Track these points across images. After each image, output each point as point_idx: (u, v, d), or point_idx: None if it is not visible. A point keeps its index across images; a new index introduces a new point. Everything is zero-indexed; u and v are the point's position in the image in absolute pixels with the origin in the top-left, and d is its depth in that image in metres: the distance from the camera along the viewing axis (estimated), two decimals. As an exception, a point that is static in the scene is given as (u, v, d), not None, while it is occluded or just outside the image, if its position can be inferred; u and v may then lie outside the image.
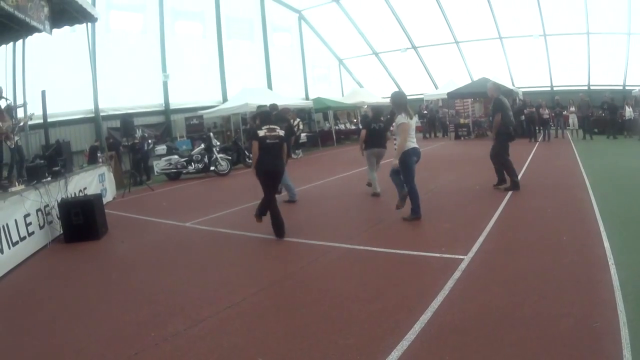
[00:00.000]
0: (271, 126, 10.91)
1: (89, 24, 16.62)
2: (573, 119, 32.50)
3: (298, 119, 29.13)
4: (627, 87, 37.34)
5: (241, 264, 9.28)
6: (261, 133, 10.71)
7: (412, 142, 11.24)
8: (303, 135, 35.51)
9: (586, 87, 39.07)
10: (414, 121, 11.41)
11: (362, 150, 14.94)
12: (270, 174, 10.90)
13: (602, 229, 9.80)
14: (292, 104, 33.93)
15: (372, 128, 14.60)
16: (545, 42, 38.84)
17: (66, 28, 15.66)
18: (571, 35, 37.62)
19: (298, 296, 7.22)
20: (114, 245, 11.53)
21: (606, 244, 8.70)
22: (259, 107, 12.82)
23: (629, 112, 31.12)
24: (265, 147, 10.68)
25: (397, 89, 11.69)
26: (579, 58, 38.62)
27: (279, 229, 10.79)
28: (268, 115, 11.62)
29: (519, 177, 15.48)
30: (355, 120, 44.29)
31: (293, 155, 25.93)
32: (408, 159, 11.17)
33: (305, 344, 5.60)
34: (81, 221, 11.75)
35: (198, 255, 10.07)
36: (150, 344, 5.83)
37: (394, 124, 11.62)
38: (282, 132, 11.00)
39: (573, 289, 6.73)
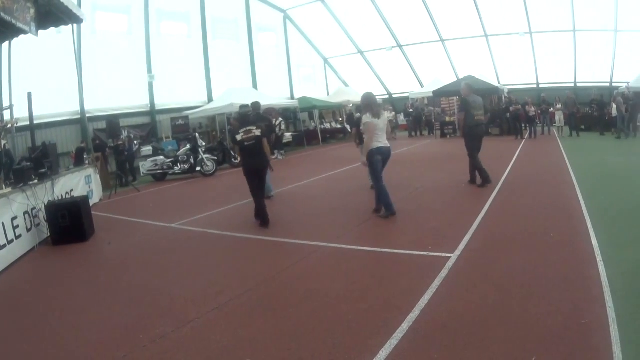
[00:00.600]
0: (248, 128, 11.31)
1: (75, 25, 16.58)
2: (560, 116, 32.49)
3: (280, 119, 29.13)
4: (614, 84, 37.48)
5: (228, 264, 9.27)
6: (239, 137, 11.16)
7: (378, 142, 11.38)
8: (288, 134, 35.67)
9: (572, 85, 39.31)
10: (382, 121, 11.49)
11: (358, 145, 15.04)
12: (253, 172, 11.34)
13: (589, 225, 9.85)
14: (278, 103, 34.08)
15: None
16: (531, 40, 38.97)
17: (52, 30, 15.63)
18: (557, 33, 37.75)
19: (285, 296, 7.23)
20: (101, 247, 11.50)
21: (594, 241, 8.76)
22: (242, 106, 12.82)
23: (615, 109, 31.23)
24: (244, 149, 11.16)
25: (368, 90, 11.72)
26: (565, 55, 38.79)
27: (264, 220, 11.43)
28: (245, 117, 11.94)
29: (505, 174, 15.60)
30: (340, 120, 44.29)
31: (272, 157, 26.17)
32: (372, 157, 11.35)
33: (293, 344, 5.62)
34: (68, 223, 11.75)
35: (185, 256, 10.06)
36: (138, 346, 5.83)
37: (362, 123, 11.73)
38: (258, 132, 11.32)
39: (561, 286, 6.76)
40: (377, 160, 11.39)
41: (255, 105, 15.20)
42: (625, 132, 29.63)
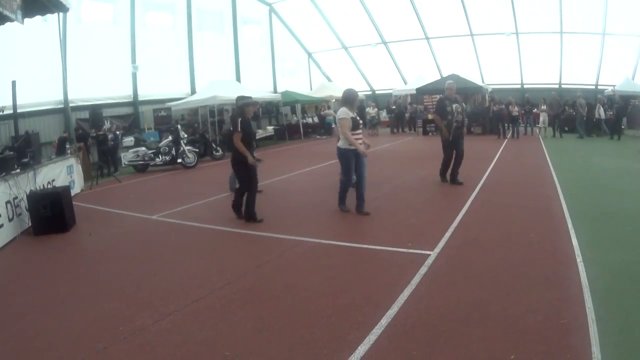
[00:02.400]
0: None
1: (61, 13, 16.50)
2: (544, 117, 32.66)
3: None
4: (599, 87, 37.78)
5: (208, 257, 9.28)
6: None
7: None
8: (270, 128, 35.74)
9: (557, 86, 39.52)
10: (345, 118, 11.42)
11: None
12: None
13: (570, 226, 9.98)
14: (260, 97, 33.92)
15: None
16: (517, 40, 39.07)
17: (37, 18, 15.56)
18: (544, 34, 37.93)
19: (265, 290, 7.28)
20: (81, 238, 11.45)
21: (574, 241, 8.88)
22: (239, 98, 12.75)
23: (601, 111, 31.47)
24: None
25: (350, 86, 11.72)
26: (551, 56, 38.97)
27: (238, 211, 11.61)
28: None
29: (486, 173, 15.73)
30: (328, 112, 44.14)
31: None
32: (347, 154, 11.48)
33: (272, 338, 5.67)
34: (49, 214, 11.70)
35: (165, 248, 10.07)
36: (118, 338, 5.85)
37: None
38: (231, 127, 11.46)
39: (541, 286, 6.85)
40: (350, 158, 11.49)
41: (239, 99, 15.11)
42: (581, 133, 30.96)
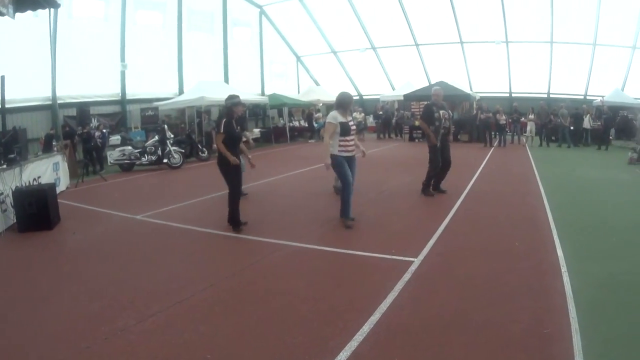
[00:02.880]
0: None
1: (52, 9, 16.46)
2: (531, 126, 32.84)
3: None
4: (588, 97, 38.07)
5: (191, 259, 9.28)
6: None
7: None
8: (256, 130, 35.83)
9: (546, 95, 39.74)
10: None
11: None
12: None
13: (555, 236, 10.02)
14: (248, 99, 33.95)
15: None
16: (507, 49, 39.27)
17: (28, 13, 15.50)
18: (534, 43, 38.13)
19: (247, 293, 7.28)
20: (66, 236, 11.43)
21: (559, 252, 8.92)
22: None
23: (587, 121, 31.65)
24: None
25: (342, 90, 11.59)
26: (540, 66, 39.15)
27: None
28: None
29: (472, 181, 15.81)
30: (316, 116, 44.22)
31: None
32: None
33: (253, 342, 5.68)
34: (35, 211, 11.66)
35: (148, 248, 10.06)
36: (100, 338, 5.84)
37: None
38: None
39: (524, 296, 6.88)
40: (341, 163, 11.16)
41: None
42: (568, 142, 31.44)
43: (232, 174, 11.07)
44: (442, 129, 14.31)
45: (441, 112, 14.40)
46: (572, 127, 32.07)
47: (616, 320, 6.12)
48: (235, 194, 11.16)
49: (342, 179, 11.33)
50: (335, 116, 10.98)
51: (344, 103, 11.24)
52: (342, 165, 11.08)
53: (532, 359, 5.18)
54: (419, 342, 5.59)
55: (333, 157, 11.04)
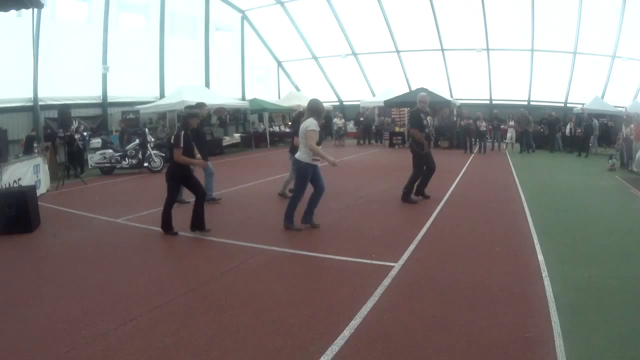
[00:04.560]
0: None
1: (35, 9, 16.40)
2: (512, 133, 33.08)
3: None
4: (568, 105, 38.49)
5: (171, 263, 9.34)
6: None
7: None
8: (237, 135, 35.80)
9: (526, 103, 40.10)
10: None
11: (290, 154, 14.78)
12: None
13: (535, 241, 10.12)
14: (228, 103, 34.01)
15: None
16: (487, 56, 39.58)
17: (11, 13, 15.43)
18: (515, 51, 38.44)
19: (227, 298, 7.27)
20: (46, 239, 11.35)
21: (540, 257, 9.00)
22: (192, 106, 12.47)
23: (569, 129, 31.90)
24: None
25: (315, 96, 11.64)
26: (521, 73, 39.48)
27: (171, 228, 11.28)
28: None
29: (452, 187, 15.89)
30: (289, 123, 44.07)
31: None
32: (306, 171, 11.14)
33: (234, 346, 5.68)
34: (14, 213, 11.61)
35: (128, 252, 10.00)
36: (80, 342, 5.82)
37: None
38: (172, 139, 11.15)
39: (505, 300, 6.93)
40: (309, 173, 11.19)
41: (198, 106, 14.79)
42: (529, 147, 32.37)
43: (191, 181, 11.25)
44: (432, 135, 14.44)
45: (428, 118, 14.49)
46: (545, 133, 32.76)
47: (597, 323, 6.18)
48: (201, 198, 11.20)
49: (300, 187, 11.35)
50: (316, 123, 10.92)
51: (319, 110, 11.25)
52: (308, 175, 11.14)
53: (516, 364, 5.20)
54: (399, 347, 5.60)
55: (303, 165, 11.01)
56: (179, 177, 11.09)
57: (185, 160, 10.86)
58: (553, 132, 33.46)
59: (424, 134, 14.35)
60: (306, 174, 11.11)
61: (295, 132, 14.05)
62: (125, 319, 6.47)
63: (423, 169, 14.57)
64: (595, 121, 31.08)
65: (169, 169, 11.24)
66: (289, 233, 11.08)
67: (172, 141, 10.88)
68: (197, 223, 11.13)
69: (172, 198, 11.26)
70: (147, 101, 33.18)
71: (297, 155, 11.22)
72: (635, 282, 7.74)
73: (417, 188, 14.79)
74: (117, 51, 31.72)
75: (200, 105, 12.81)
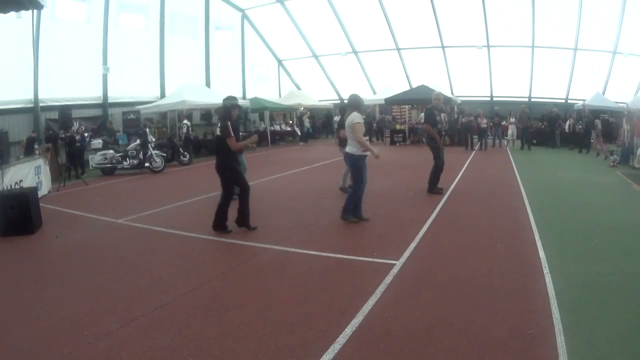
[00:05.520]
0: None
1: (35, 11, 16.37)
2: (512, 130, 33.07)
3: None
4: (569, 101, 38.46)
5: (173, 263, 9.24)
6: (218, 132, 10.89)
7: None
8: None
9: (527, 99, 39.96)
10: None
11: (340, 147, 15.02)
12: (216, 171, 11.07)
13: (537, 238, 10.10)
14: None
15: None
16: (488, 53, 39.52)
17: (11, 15, 15.42)
18: (516, 48, 38.39)
19: (229, 297, 7.29)
20: (48, 240, 11.35)
21: (541, 254, 8.98)
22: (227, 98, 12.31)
23: (568, 125, 31.93)
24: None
25: (353, 92, 12.10)
26: (521, 70, 39.43)
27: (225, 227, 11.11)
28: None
29: (453, 184, 15.90)
30: (290, 122, 44.47)
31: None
32: (360, 162, 11.43)
33: (236, 345, 5.68)
34: (16, 214, 11.60)
35: (130, 253, 10.03)
36: (83, 343, 5.82)
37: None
38: (218, 132, 11.01)
39: (507, 297, 6.92)
40: (363, 165, 11.48)
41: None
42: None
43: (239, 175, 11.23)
44: (444, 131, 14.64)
45: (442, 115, 14.69)
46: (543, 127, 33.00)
47: (599, 320, 6.17)
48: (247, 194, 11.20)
49: (357, 179, 11.63)
50: (361, 116, 11.27)
51: (360, 103, 11.69)
52: (362, 167, 11.48)
53: (518, 360, 5.20)
54: (402, 344, 5.60)
55: (356, 157, 11.36)
56: (232, 168, 11.04)
57: (241, 145, 11.07)
58: (553, 129, 33.48)
59: (436, 129, 14.62)
60: (360, 166, 11.44)
61: (340, 125, 14.75)
62: (128, 319, 6.46)
63: (443, 161, 14.89)
64: (597, 120, 30.89)
65: (219, 162, 11.11)
66: (290, 232, 11.10)
67: (220, 133, 10.78)
68: (242, 219, 11.26)
69: (230, 191, 11.22)
70: (147, 101, 33.08)
71: (347, 150, 11.56)
72: (637, 278, 7.74)
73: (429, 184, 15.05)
74: (118, 51, 31.63)
75: (235, 97, 12.73)
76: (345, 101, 13.23)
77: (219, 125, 11.00)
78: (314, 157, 27.27)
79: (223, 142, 10.81)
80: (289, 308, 6.73)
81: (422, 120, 23.62)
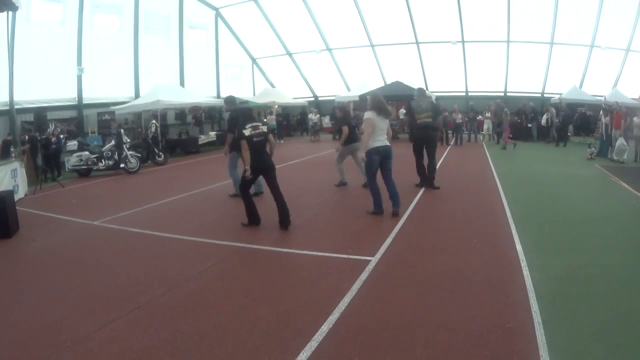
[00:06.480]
0: (254, 124, 11.02)
1: (10, 12, 16.26)
2: (488, 125, 33.24)
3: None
4: (545, 95, 38.71)
5: (149, 263, 9.27)
6: (247, 132, 10.78)
7: (377, 141, 11.51)
8: (212, 133, 35.74)
9: (502, 94, 40.08)
10: (384, 121, 11.71)
11: (343, 146, 15.48)
12: (261, 170, 11.14)
13: (514, 231, 10.20)
14: (203, 102, 34.21)
15: (352, 125, 14.96)
16: (463, 49, 39.61)
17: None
18: (491, 43, 38.53)
19: (205, 297, 7.32)
20: (25, 244, 11.32)
21: (518, 247, 9.09)
22: (241, 102, 12.41)
23: (545, 119, 32.12)
24: (253, 145, 10.77)
25: (372, 90, 12.54)
26: (497, 65, 39.60)
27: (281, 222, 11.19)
28: (249, 113, 11.70)
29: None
30: (265, 120, 43.96)
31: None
32: (370, 156, 11.52)
33: (213, 345, 5.73)
34: (-8, 219, 11.50)
35: (107, 254, 10.03)
36: (62, 346, 5.84)
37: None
38: (264, 128, 11.12)
39: (485, 291, 7.01)
40: (374, 160, 11.57)
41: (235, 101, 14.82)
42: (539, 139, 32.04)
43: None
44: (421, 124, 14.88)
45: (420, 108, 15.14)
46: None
47: (578, 312, 6.28)
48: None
49: (370, 174, 11.97)
50: (373, 114, 11.56)
51: (381, 103, 11.98)
52: (373, 163, 11.66)
53: (496, 354, 5.27)
54: (379, 340, 5.66)
55: (367, 151, 11.58)
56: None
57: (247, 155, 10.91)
58: (528, 123, 33.72)
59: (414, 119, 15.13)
60: (370, 160, 11.57)
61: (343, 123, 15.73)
62: (105, 321, 6.48)
63: (434, 153, 15.39)
64: (506, 109, 31.22)
65: (267, 159, 11.32)
66: (265, 230, 11.16)
67: (263, 136, 10.91)
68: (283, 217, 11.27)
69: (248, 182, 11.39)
70: (122, 101, 32.89)
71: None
72: (616, 270, 7.87)
73: (421, 177, 15.45)
74: (92, 52, 31.46)
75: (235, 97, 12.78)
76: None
77: (259, 125, 11.12)
78: (289, 155, 27.38)
79: (264, 141, 11.06)
80: (265, 307, 6.76)
81: (402, 117, 23.66)
